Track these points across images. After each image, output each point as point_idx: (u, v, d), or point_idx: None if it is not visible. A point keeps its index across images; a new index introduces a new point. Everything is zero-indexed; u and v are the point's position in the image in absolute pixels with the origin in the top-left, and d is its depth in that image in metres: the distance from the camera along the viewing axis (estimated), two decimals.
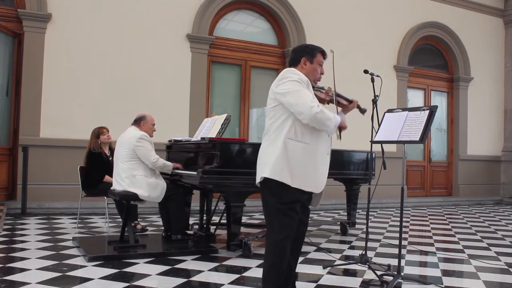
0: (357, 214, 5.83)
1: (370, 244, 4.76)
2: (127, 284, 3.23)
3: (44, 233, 5.09)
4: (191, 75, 7.67)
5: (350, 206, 5.69)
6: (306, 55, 2.74)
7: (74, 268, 3.63)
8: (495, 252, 4.77)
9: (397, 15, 9.69)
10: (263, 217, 6.59)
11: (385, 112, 3.84)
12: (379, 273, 3.56)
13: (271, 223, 2.59)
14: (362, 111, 3.22)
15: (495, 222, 7.26)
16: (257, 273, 3.59)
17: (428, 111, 3.43)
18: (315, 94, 2.77)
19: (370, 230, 5.39)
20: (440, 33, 10.32)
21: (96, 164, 5.33)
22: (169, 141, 5.39)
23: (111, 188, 4.64)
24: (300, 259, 4.10)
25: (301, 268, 3.78)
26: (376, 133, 3.74)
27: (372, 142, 3.78)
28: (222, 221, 5.02)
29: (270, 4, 8.36)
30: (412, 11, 9.89)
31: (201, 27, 7.73)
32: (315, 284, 3.37)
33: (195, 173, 4.17)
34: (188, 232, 4.87)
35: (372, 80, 3.77)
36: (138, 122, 4.69)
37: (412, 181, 10.13)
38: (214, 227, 5.01)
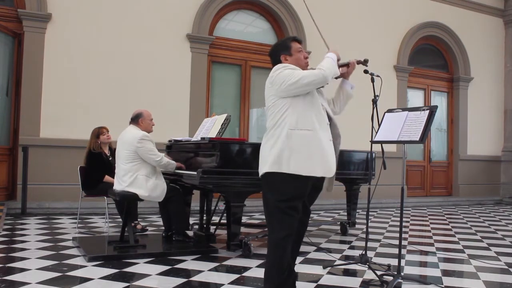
0: (357, 214, 5.83)
1: (370, 244, 4.76)
2: (127, 284, 3.23)
3: (44, 233, 5.09)
4: (191, 75, 7.67)
5: (350, 206, 5.69)
6: (283, 51, 2.76)
7: (74, 268, 3.63)
8: (495, 252, 4.77)
9: (397, 15, 9.69)
10: (263, 217, 6.59)
11: (385, 112, 3.84)
12: (379, 273, 3.56)
13: (271, 222, 2.59)
14: (364, 62, 3.17)
15: (495, 222, 7.26)
16: (257, 273, 3.59)
17: (428, 111, 3.43)
18: None
19: (370, 230, 5.39)
20: (440, 33, 10.32)
21: (96, 164, 5.33)
22: (169, 141, 5.39)
23: (113, 188, 4.63)
24: (300, 259, 4.11)
25: (301, 268, 3.79)
26: (376, 133, 3.74)
27: (372, 142, 3.78)
28: (222, 221, 5.02)
29: (270, 4, 8.36)
30: (412, 11, 9.89)
31: (201, 27, 7.73)
32: (315, 284, 3.37)
33: (195, 173, 4.17)
34: (189, 234, 4.86)
35: (372, 80, 3.77)
36: (136, 120, 4.64)
37: (412, 181, 10.13)
38: (214, 227, 5.01)
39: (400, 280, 3.42)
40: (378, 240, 5.25)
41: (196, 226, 5.26)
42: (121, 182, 4.46)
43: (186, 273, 3.61)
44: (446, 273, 3.83)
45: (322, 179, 2.71)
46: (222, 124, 4.67)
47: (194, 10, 7.70)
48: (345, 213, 6.07)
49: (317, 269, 3.80)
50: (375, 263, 3.90)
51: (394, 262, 3.87)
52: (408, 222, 7.04)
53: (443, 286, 3.41)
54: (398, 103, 9.43)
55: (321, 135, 2.61)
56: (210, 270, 3.73)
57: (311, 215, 7.20)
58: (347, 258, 4.33)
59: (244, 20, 8.46)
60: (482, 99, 10.92)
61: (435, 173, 10.56)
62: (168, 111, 7.30)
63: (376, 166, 5.49)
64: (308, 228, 5.84)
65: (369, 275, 3.64)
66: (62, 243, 4.60)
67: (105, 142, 5.47)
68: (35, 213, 6.42)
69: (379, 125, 3.73)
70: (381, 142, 3.67)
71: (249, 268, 3.77)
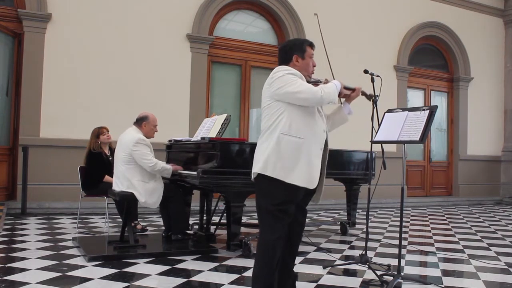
0: (357, 214, 5.83)
1: (370, 244, 4.76)
2: (127, 284, 3.23)
3: (44, 233, 5.09)
4: (191, 75, 7.67)
5: (350, 206, 5.69)
6: (297, 52, 2.71)
7: (74, 268, 3.63)
8: (495, 252, 4.77)
9: (397, 15, 9.69)
10: None
11: (385, 112, 3.84)
12: (379, 273, 3.56)
13: (262, 224, 2.58)
14: (369, 97, 3.13)
15: (495, 222, 7.26)
16: None
17: (428, 111, 3.43)
18: None
19: (370, 230, 5.39)
20: (440, 33, 10.32)
21: (96, 164, 5.33)
22: (169, 141, 5.39)
23: (112, 188, 4.63)
24: (300, 259, 4.11)
25: (301, 268, 3.79)
26: (376, 133, 3.74)
27: (372, 142, 3.78)
28: (222, 221, 5.02)
29: (270, 4, 8.36)
30: (412, 11, 9.89)
31: (201, 27, 7.73)
32: (315, 284, 3.37)
33: (195, 173, 4.17)
34: (188, 232, 4.87)
35: (372, 80, 3.77)
36: (140, 122, 4.62)
37: (412, 181, 10.13)
38: (214, 227, 5.01)
39: (400, 280, 3.42)
40: (378, 240, 5.25)
41: (196, 226, 5.26)
42: (118, 184, 4.46)
43: (186, 273, 3.61)
44: (446, 273, 3.83)
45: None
46: (222, 124, 4.67)
47: (194, 10, 7.71)
48: (345, 213, 6.07)
49: (317, 269, 3.80)
50: (375, 263, 3.90)
51: (394, 262, 3.87)
52: (408, 222, 7.04)
53: (443, 286, 3.41)
54: (398, 103, 9.43)
55: (311, 145, 2.57)
56: (210, 270, 3.73)
57: (311, 215, 7.25)
58: (347, 258, 4.33)
59: (244, 20, 8.46)
60: (482, 99, 10.92)
61: (435, 173, 10.56)
62: (168, 111, 7.30)
63: (376, 166, 5.49)
64: (308, 228, 5.89)
65: (369, 275, 3.64)
66: (62, 243, 4.60)
67: (105, 142, 5.47)
68: (35, 213, 6.42)
69: (379, 125, 3.73)
70: (381, 142, 3.67)
71: (249, 268, 3.77)
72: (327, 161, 2.75)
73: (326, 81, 2.83)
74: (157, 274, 3.53)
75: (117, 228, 5.44)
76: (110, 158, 5.40)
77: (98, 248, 4.25)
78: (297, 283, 2.89)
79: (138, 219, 5.40)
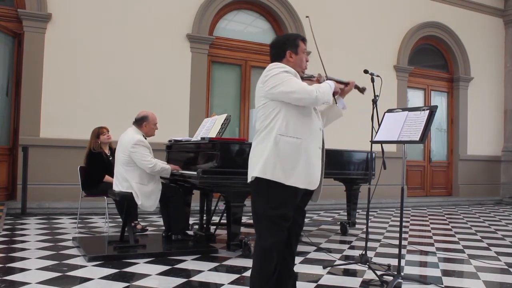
0: (357, 214, 5.83)
1: (370, 244, 4.76)
2: (127, 284, 3.23)
3: (44, 233, 5.09)
4: (191, 75, 7.67)
5: (350, 206, 5.69)
6: (290, 48, 2.63)
7: (74, 268, 3.63)
8: (495, 252, 4.77)
9: (397, 15, 9.69)
10: None
11: (385, 112, 3.84)
12: (379, 273, 3.56)
13: (259, 229, 2.49)
14: (362, 90, 3.06)
15: (495, 222, 7.26)
16: None
17: (428, 111, 3.43)
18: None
19: (370, 230, 5.39)
20: (440, 33, 10.32)
21: (96, 164, 5.33)
22: (169, 141, 5.39)
23: (112, 188, 4.63)
24: (300, 259, 4.11)
25: (301, 268, 3.79)
26: (376, 133, 3.74)
27: (372, 142, 3.78)
28: (222, 221, 5.03)
29: (270, 4, 8.36)
30: (412, 11, 9.89)
31: (201, 27, 7.73)
32: (315, 284, 3.37)
33: (195, 173, 4.17)
34: (189, 232, 4.87)
35: (372, 80, 3.77)
36: (140, 123, 4.60)
37: (412, 181, 10.13)
38: (214, 227, 5.01)
39: (400, 280, 3.42)
40: (378, 240, 5.25)
41: (196, 226, 5.26)
42: (118, 185, 4.46)
43: (186, 273, 3.61)
44: (446, 273, 3.83)
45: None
46: (222, 124, 4.67)
47: (194, 10, 7.71)
48: (345, 213, 6.07)
49: (317, 269, 3.80)
50: (375, 263, 3.90)
51: (394, 262, 3.87)
52: (408, 222, 7.04)
53: (443, 286, 3.41)
54: (398, 103, 9.44)
55: (310, 144, 2.50)
56: (210, 270, 3.73)
57: (311, 215, 7.25)
58: (347, 258, 4.33)
59: (244, 20, 8.46)
60: (482, 99, 10.92)
61: (435, 173, 10.56)
62: (168, 111, 7.30)
63: (376, 166, 5.49)
64: (308, 228, 5.89)
65: (369, 275, 3.64)
66: (62, 243, 4.60)
67: (105, 142, 5.47)
68: (35, 213, 6.42)
69: (379, 125, 3.73)
70: (381, 142, 3.67)
71: (249, 268, 3.75)
72: (325, 160, 2.68)
73: (319, 76, 2.77)
74: (157, 274, 3.53)
75: (117, 228, 5.44)
76: (110, 158, 5.40)
77: (98, 248, 4.25)
78: (297, 283, 2.89)
79: (138, 219, 5.39)
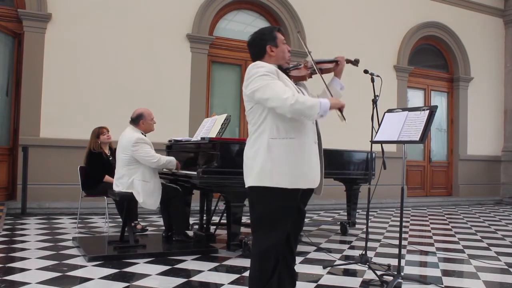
0: (357, 214, 5.83)
1: (370, 244, 4.76)
2: (127, 284, 3.23)
3: (44, 233, 5.09)
4: (191, 75, 7.67)
5: (350, 206, 5.69)
6: (269, 42, 2.51)
7: (74, 268, 3.63)
8: (495, 252, 4.77)
9: (397, 15, 9.69)
10: None
11: (385, 112, 3.84)
12: (379, 273, 3.56)
13: (257, 232, 2.44)
14: (355, 62, 2.91)
15: (495, 222, 7.26)
16: None
17: (428, 111, 3.43)
18: (294, 75, 2.55)
19: (370, 230, 5.39)
20: (440, 33, 10.32)
21: (96, 164, 5.33)
22: (169, 141, 5.39)
23: (112, 188, 4.63)
24: (300, 259, 4.11)
25: (301, 268, 3.79)
26: (376, 133, 3.74)
27: (372, 142, 3.78)
28: (222, 221, 5.03)
29: (270, 4, 8.36)
30: (412, 11, 9.89)
31: (201, 27, 7.73)
32: (315, 284, 3.37)
33: (195, 173, 4.17)
34: (189, 234, 4.86)
35: (372, 80, 3.77)
36: (137, 121, 4.58)
37: (412, 181, 10.13)
38: (214, 227, 5.01)
39: (400, 280, 3.42)
40: (378, 240, 5.25)
41: (196, 226, 5.26)
42: (118, 185, 4.46)
43: (186, 273, 3.61)
44: (446, 273, 3.83)
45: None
46: (222, 124, 4.67)
47: (194, 10, 7.71)
48: (345, 213, 6.06)
49: (317, 269, 3.80)
50: (375, 263, 3.90)
51: (394, 262, 3.87)
52: (408, 222, 7.04)
53: (443, 286, 3.41)
54: (398, 103, 9.44)
55: (304, 141, 2.40)
56: (210, 270, 3.73)
57: (311, 215, 7.25)
58: (347, 258, 4.33)
59: (244, 20, 8.46)
60: (482, 99, 10.92)
61: (435, 173, 10.56)
62: (168, 111, 7.30)
63: (376, 166, 5.49)
64: (308, 228, 5.89)
65: (369, 275, 3.64)
66: (62, 243, 4.60)
67: (105, 142, 5.47)
68: (35, 213, 6.42)
69: (379, 125, 3.73)
70: (381, 142, 3.67)
71: (249, 268, 3.76)
72: (325, 160, 2.64)
73: (306, 62, 2.64)
74: (157, 274, 3.53)
75: (117, 228, 5.44)
76: (110, 158, 5.41)
77: (98, 248, 4.25)
78: (297, 283, 2.89)
79: (138, 219, 5.40)
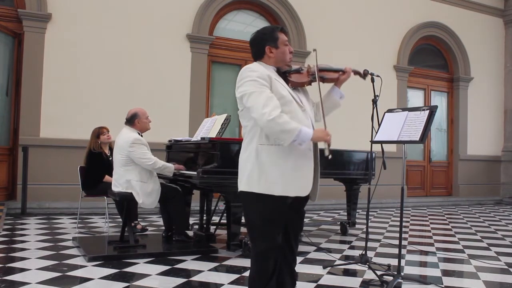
0: (357, 214, 5.83)
1: (370, 244, 4.76)
2: (127, 284, 3.23)
3: (44, 233, 5.09)
4: (191, 75, 7.67)
5: (350, 206, 5.69)
6: (269, 43, 2.42)
7: (74, 268, 3.63)
8: (495, 252, 4.77)
9: (397, 15, 9.69)
10: None
11: (385, 112, 3.84)
12: (379, 273, 3.56)
13: (252, 235, 2.43)
14: (363, 74, 2.78)
15: (495, 222, 7.26)
16: None
17: (428, 111, 3.44)
18: (293, 80, 2.44)
19: (370, 230, 5.39)
20: (440, 33, 10.32)
21: (96, 164, 5.33)
22: (169, 141, 5.38)
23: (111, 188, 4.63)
24: (300, 259, 4.11)
25: (301, 268, 3.78)
26: (376, 133, 3.74)
27: (372, 142, 3.78)
28: (222, 221, 5.03)
29: (270, 4, 8.36)
30: (412, 11, 9.89)
31: (201, 27, 7.73)
32: (315, 284, 3.37)
33: (195, 173, 4.17)
34: (189, 234, 4.86)
35: (372, 80, 3.76)
36: (132, 121, 4.57)
37: (412, 181, 10.13)
38: (214, 227, 5.01)
39: (400, 280, 3.42)
40: (378, 240, 5.25)
41: (196, 226, 5.26)
42: (117, 185, 4.46)
43: (186, 273, 3.61)
44: (446, 273, 3.83)
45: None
46: (222, 124, 4.67)
47: (194, 10, 7.71)
48: (345, 213, 6.06)
49: (317, 269, 3.80)
50: (375, 263, 3.90)
51: (394, 262, 3.87)
52: (408, 222, 7.04)
53: (443, 286, 3.41)
54: (398, 103, 9.43)
55: (296, 147, 2.27)
56: (210, 270, 3.73)
57: (311, 215, 7.25)
58: (347, 258, 4.33)
59: (244, 20, 8.46)
60: (482, 99, 10.93)
61: (435, 173, 10.56)
62: (168, 111, 7.30)
63: (376, 166, 5.49)
64: (308, 228, 5.89)
65: (369, 275, 3.64)
66: (62, 243, 4.60)
67: (105, 142, 5.47)
68: (35, 213, 6.42)
69: (379, 125, 3.73)
70: (381, 142, 3.67)
71: (249, 268, 3.76)
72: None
73: (309, 67, 2.52)
74: (157, 274, 3.53)
75: (117, 228, 5.44)
76: (110, 158, 5.40)
77: (98, 248, 4.25)
78: (297, 283, 2.89)
79: (138, 219, 5.39)
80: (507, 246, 5.13)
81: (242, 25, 8.44)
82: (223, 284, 3.31)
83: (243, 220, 4.69)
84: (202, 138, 4.52)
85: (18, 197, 6.48)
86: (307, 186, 2.37)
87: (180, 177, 4.65)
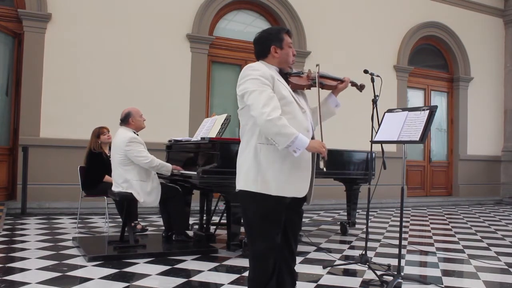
0: (357, 214, 5.83)
1: (370, 244, 4.76)
2: (127, 284, 3.23)
3: (44, 233, 5.09)
4: (191, 75, 7.67)
5: (350, 206, 5.69)
6: (274, 43, 2.45)
7: (74, 268, 3.63)
8: (495, 252, 4.77)
9: (397, 15, 9.69)
10: None
11: (385, 112, 3.84)
12: (379, 273, 3.56)
13: (250, 234, 2.42)
14: (360, 87, 2.81)
15: (495, 222, 7.26)
16: None
17: (428, 111, 3.44)
18: (293, 82, 2.47)
19: (370, 230, 5.39)
20: (440, 33, 10.32)
21: (96, 164, 5.33)
22: (169, 141, 5.39)
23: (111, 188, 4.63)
24: (300, 259, 4.11)
25: (301, 268, 3.79)
26: (376, 133, 3.74)
27: (372, 142, 3.78)
28: (222, 221, 5.03)
29: (270, 4, 8.36)
30: (412, 11, 9.89)
31: (201, 27, 7.73)
32: (315, 284, 3.37)
33: (195, 173, 4.18)
34: (189, 234, 4.86)
35: (372, 80, 3.77)
36: (126, 120, 4.58)
37: (412, 181, 10.13)
38: (214, 227, 5.01)
39: (400, 280, 3.42)
40: (378, 240, 5.25)
41: (196, 226, 5.26)
42: (117, 186, 4.46)
43: (186, 273, 3.61)
44: (446, 273, 3.83)
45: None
46: (222, 124, 4.67)
47: (194, 10, 7.71)
48: (345, 213, 6.06)
49: (317, 269, 3.80)
50: (375, 263, 3.90)
51: (394, 262, 3.87)
52: (408, 222, 7.04)
53: (443, 286, 3.41)
54: (398, 103, 9.43)
55: None
56: (210, 270, 3.73)
57: (311, 215, 7.25)
58: (347, 258, 4.33)
59: (244, 20, 8.46)
60: (482, 99, 10.93)
61: (435, 173, 10.56)
62: (168, 111, 7.30)
63: (376, 166, 5.49)
64: (308, 228, 5.89)
65: (369, 275, 3.64)
66: (62, 243, 4.60)
67: (106, 142, 5.47)
68: (35, 213, 6.42)
69: (379, 125, 3.73)
70: (381, 142, 3.67)
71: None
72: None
73: (310, 72, 2.55)
74: (157, 274, 3.53)
75: (117, 228, 5.44)
76: (110, 158, 5.40)
77: (98, 248, 4.25)
78: (297, 283, 2.89)
79: (138, 219, 5.39)
80: (507, 246, 5.13)
81: (242, 25, 8.44)
82: (223, 284, 3.31)
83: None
84: (202, 138, 4.52)
85: (18, 197, 6.48)
86: (304, 187, 2.38)
87: (180, 177, 4.65)
